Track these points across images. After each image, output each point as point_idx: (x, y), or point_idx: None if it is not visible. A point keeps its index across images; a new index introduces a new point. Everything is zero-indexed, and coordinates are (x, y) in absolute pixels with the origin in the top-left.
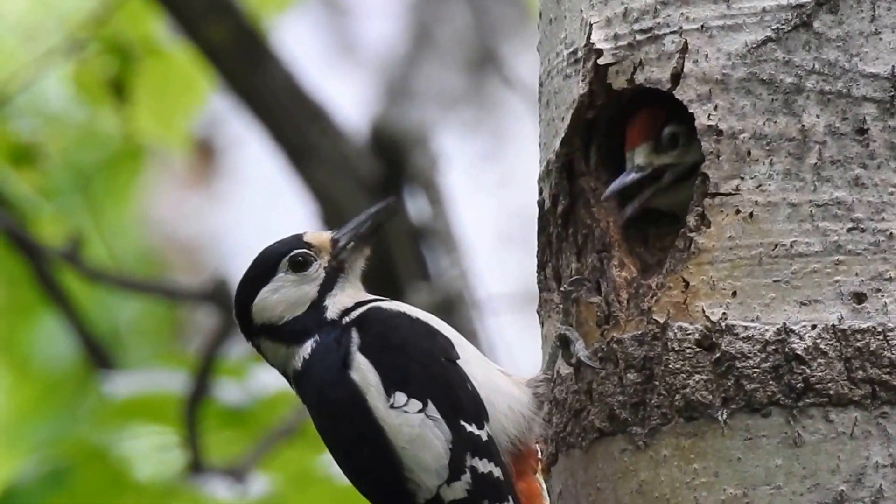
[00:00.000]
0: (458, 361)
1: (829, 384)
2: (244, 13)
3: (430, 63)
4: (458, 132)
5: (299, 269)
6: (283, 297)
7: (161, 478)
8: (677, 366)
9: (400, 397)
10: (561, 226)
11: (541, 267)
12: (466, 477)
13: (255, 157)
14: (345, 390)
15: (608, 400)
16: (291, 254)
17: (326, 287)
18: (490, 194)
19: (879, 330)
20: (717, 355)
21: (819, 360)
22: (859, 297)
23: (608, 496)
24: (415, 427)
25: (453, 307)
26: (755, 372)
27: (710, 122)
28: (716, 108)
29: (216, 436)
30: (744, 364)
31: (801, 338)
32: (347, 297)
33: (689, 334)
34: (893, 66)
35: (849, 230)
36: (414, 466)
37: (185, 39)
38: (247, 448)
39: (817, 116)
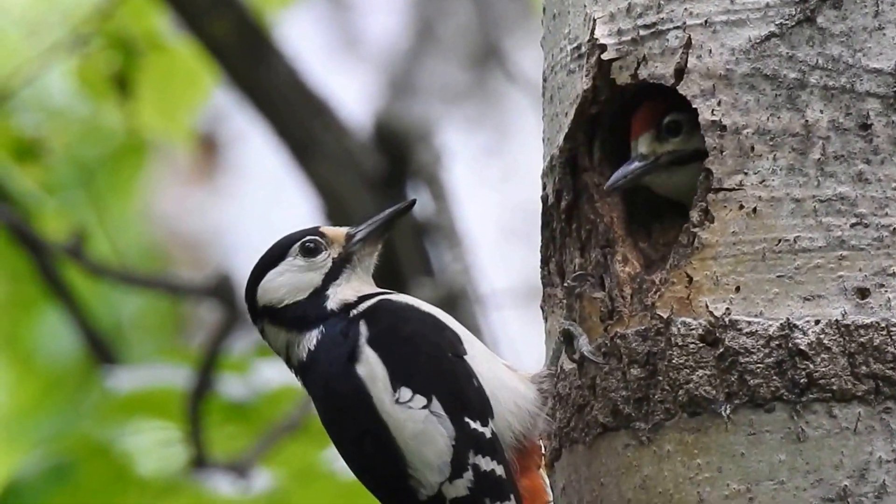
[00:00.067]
0: (465, 357)
1: (833, 379)
2: (248, 8)
3: (434, 58)
4: (461, 127)
5: (308, 255)
6: (286, 280)
7: (164, 473)
8: (681, 361)
9: (405, 392)
10: (564, 221)
11: (544, 262)
12: (468, 474)
13: (258, 152)
14: (350, 384)
15: (611, 395)
16: (303, 239)
17: (331, 277)
18: (493, 189)
19: (883, 325)
20: (721, 350)
21: (822, 356)
22: (863, 293)
23: (611, 491)
24: (419, 423)
25: (456, 302)
26: (759, 367)
27: (714, 118)
28: (719, 103)
29: (219, 431)
30: (747, 359)
31: (805, 333)
32: (351, 289)
33: (693, 329)
34: None
35: (852, 225)
36: (417, 463)
37: (188, 34)
38: (250, 443)
39: (821, 112)
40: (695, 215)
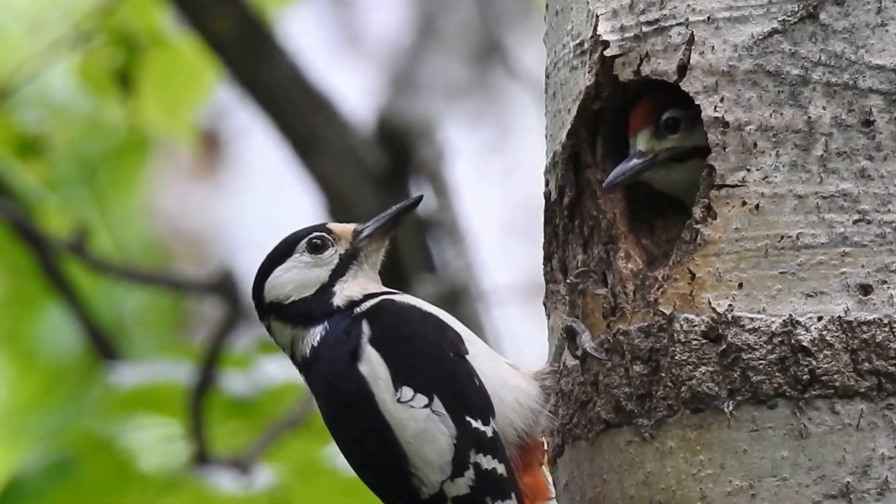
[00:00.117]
0: (466, 356)
1: (835, 376)
2: (250, 4)
3: (436, 54)
4: (463, 123)
5: (315, 251)
6: (293, 276)
7: (166, 469)
8: (683, 357)
9: (407, 392)
10: (567, 217)
11: (547, 258)
12: (470, 473)
13: (260, 149)
14: (353, 382)
15: (614, 391)
16: (310, 236)
17: (338, 273)
18: (495, 185)
19: (885, 322)
20: (724, 347)
21: (825, 352)
22: (865, 289)
23: (614, 488)
24: (420, 422)
25: (459, 299)
26: (761, 363)
27: (717, 114)
28: (722, 99)
29: (221, 427)
30: (750, 356)
31: (808, 329)
32: (358, 286)
33: (696, 326)
34: None
35: (855, 222)
36: (418, 461)
37: (190, 31)
38: (252, 439)
39: (823, 108)
40: (697, 212)
